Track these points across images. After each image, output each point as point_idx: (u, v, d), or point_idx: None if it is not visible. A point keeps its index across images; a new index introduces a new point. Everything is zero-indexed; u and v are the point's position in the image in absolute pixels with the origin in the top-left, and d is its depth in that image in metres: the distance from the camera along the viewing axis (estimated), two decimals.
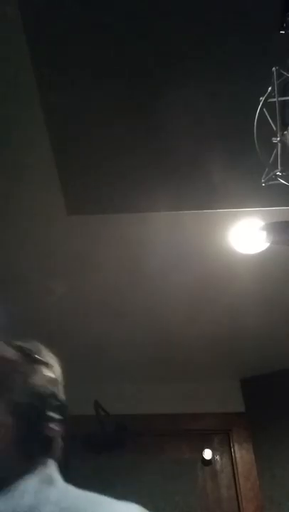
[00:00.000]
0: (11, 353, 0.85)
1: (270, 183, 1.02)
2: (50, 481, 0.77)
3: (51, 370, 0.89)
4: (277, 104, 0.95)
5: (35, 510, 0.69)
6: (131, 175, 1.60)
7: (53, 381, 0.88)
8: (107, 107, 1.42)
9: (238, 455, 2.43)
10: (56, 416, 0.81)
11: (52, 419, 0.80)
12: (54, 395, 0.84)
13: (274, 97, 0.95)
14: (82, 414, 2.45)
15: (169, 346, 2.47)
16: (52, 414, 0.81)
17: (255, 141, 1.03)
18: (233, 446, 2.47)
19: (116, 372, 2.65)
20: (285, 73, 0.93)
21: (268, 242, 1.36)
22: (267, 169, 1.01)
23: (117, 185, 1.64)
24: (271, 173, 1.00)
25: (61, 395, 0.89)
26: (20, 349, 0.86)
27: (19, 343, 0.88)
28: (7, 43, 1.28)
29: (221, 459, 2.47)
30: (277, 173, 0.98)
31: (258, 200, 1.64)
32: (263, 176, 1.02)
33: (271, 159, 0.99)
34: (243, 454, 2.43)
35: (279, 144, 0.96)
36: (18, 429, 0.76)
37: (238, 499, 2.27)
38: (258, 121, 0.99)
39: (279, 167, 0.97)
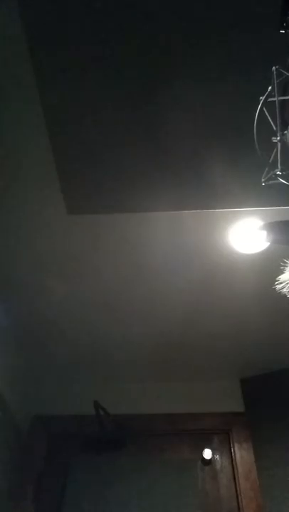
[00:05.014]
0: None
1: (270, 182, 1.02)
2: None
3: None
4: (277, 104, 0.95)
5: None
6: (131, 175, 1.60)
7: None
8: (107, 107, 1.42)
9: (238, 455, 2.43)
10: None
11: None
12: None
13: (274, 97, 0.95)
14: (82, 414, 2.46)
15: (169, 346, 2.47)
16: None
17: (255, 141, 1.03)
18: (233, 446, 2.47)
19: (116, 372, 2.65)
20: (285, 72, 0.93)
21: (268, 241, 1.36)
22: (267, 169, 1.01)
23: (117, 185, 1.64)
24: (271, 173, 1.00)
25: None
26: None
27: None
28: (7, 42, 1.28)
29: (221, 458, 2.47)
30: (277, 172, 0.98)
31: (257, 199, 1.64)
32: (263, 176, 1.02)
33: (271, 159, 0.99)
34: (243, 453, 2.43)
35: (279, 144, 0.96)
36: None
37: (237, 499, 2.27)
38: (257, 120, 0.99)
39: (279, 166, 0.97)
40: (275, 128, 0.96)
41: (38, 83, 1.34)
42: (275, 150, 0.97)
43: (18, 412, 2.48)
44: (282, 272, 1.29)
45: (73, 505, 2.31)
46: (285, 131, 0.94)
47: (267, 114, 0.99)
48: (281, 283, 1.18)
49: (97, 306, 2.23)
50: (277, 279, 1.21)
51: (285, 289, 1.17)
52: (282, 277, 1.18)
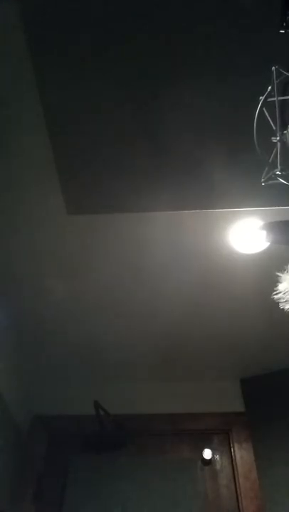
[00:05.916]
0: None
1: (270, 182, 1.02)
2: None
3: None
4: (276, 104, 0.95)
5: None
6: (131, 175, 1.60)
7: None
8: (107, 107, 1.42)
9: (237, 455, 2.43)
10: None
11: None
12: None
13: (273, 97, 0.96)
14: (82, 414, 2.46)
15: (168, 346, 2.47)
16: None
17: (255, 141, 1.03)
18: (233, 446, 2.47)
19: (116, 372, 2.65)
20: (285, 72, 0.93)
21: (268, 241, 1.36)
22: (266, 168, 1.01)
23: (117, 185, 1.64)
24: (271, 173, 1.00)
25: None
26: None
27: None
28: (7, 42, 1.28)
29: (221, 458, 2.47)
30: (277, 172, 0.98)
31: (257, 199, 1.64)
32: (263, 176, 1.02)
33: (271, 158, 0.99)
34: (243, 453, 2.43)
35: (278, 144, 0.96)
36: None
37: (237, 499, 2.27)
38: (257, 120, 0.99)
39: (278, 166, 0.97)
40: (274, 128, 0.97)
41: (38, 83, 1.35)
42: (274, 150, 0.98)
43: (18, 412, 2.48)
44: (282, 273, 1.29)
45: (73, 505, 2.31)
46: (285, 131, 0.94)
47: (266, 114, 0.99)
48: (278, 293, 1.18)
49: (96, 306, 2.23)
50: (275, 289, 1.20)
51: (282, 300, 1.17)
52: (279, 287, 1.17)
